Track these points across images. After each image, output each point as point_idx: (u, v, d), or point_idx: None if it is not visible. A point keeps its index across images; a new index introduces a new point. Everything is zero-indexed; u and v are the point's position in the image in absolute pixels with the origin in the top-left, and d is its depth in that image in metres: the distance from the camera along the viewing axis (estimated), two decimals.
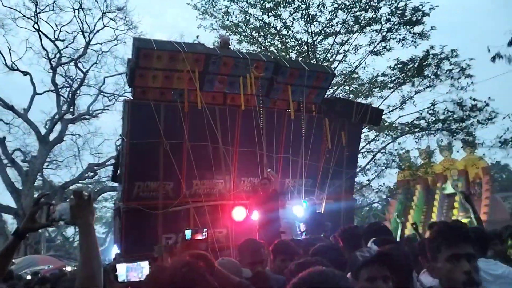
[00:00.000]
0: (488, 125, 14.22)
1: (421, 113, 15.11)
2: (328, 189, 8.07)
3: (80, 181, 21.30)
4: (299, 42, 14.91)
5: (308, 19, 14.04)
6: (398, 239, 4.49)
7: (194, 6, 15.19)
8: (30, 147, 20.50)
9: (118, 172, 7.21)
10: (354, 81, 16.32)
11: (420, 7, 13.78)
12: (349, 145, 8.46)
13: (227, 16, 15.07)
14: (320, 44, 15.09)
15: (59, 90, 18.93)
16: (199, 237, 3.18)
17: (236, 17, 15.00)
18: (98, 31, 18.64)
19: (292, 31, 14.73)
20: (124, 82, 20.05)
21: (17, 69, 18.07)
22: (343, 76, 15.85)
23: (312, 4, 13.90)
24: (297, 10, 13.95)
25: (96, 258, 1.67)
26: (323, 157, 8.07)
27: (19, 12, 17.52)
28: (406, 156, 17.82)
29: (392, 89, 15.40)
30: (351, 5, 13.93)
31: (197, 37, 14.67)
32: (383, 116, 11.23)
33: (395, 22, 14.15)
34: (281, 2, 13.79)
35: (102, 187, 22.59)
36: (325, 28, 14.51)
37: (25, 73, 18.28)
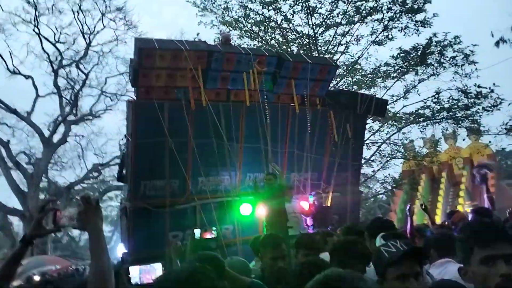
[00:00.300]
0: (493, 112, 14.07)
1: (425, 102, 14.99)
2: (334, 182, 8.05)
3: (85, 181, 21.40)
4: (300, 34, 14.81)
5: (309, 11, 13.93)
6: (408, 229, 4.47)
7: (194, 3, 15.12)
8: (34, 149, 20.56)
9: (124, 171, 7.21)
10: (357, 72, 16.21)
11: None
12: (355, 137, 8.42)
13: (226, 12, 14.98)
14: (322, 36, 14.97)
15: (61, 92, 18.94)
16: (208, 235, 3.17)
17: (235, 12, 14.92)
18: (98, 32, 18.60)
19: (293, 24, 14.63)
20: (126, 81, 20.04)
21: (19, 73, 18.11)
22: (345, 68, 15.74)
23: None
24: (297, 3, 13.83)
25: (106, 262, 1.68)
26: (328, 150, 8.04)
27: (19, 16, 17.52)
28: (411, 146, 17.72)
29: (396, 79, 15.28)
30: None
31: (198, 34, 14.61)
32: (387, 107, 11.16)
33: (396, 10, 13.99)
34: None
35: (107, 186, 22.67)
36: (326, 20, 14.39)
37: (27, 77, 18.31)
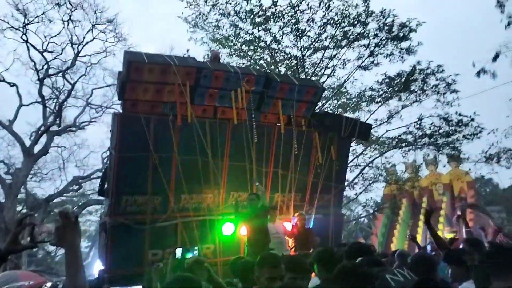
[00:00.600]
0: (473, 140, 14.42)
1: (408, 128, 15.27)
2: (317, 203, 8.05)
3: (65, 194, 20.93)
4: (289, 56, 15.04)
5: (298, 33, 14.18)
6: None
7: (185, 19, 15.24)
8: (14, 159, 20.12)
9: (105, 185, 7.08)
10: (342, 95, 16.47)
11: (407, 23, 14.04)
12: (338, 159, 8.48)
13: (217, 30, 15.13)
14: (309, 58, 15.24)
15: (46, 101, 18.66)
16: (189, 255, 3.10)
17: (226, 30, 15.08)
18: (87, 43, 18.49)
19: (282, 45, 14.85)
20: (113, 94, 19.90)
21: (4, 80, 17.80)
22: (331, 90, 15.99)
23: (301, 19, 14.07)
24: (286, 25, 14.08)
25: (82, 279, 1.65)
26: (312, 171, 8.07)
27: (7, 23, 17.33)
28: (393, 170, 17.96)
29: (380, 104, 15.57)
30: (340, 21, 14.12)
31: (188, 50, 14.70)
32: (371, 131, 11.32)
33: (382, 37, 14.37)
34: (271, 17, 13.92)
35: (86, 200, 22.20)
36: (314, 43, 14.66)
37: (12, 84, 18.01)
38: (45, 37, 17.95)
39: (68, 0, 17.22)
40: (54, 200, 18.83)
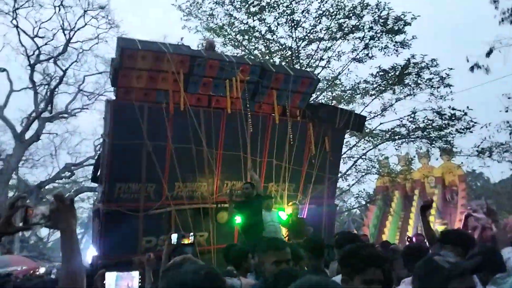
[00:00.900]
0: (466, 134, 14.53)
1: (402, 121, 15.35)
2: (311, 194, 8.09)
3: (57, 181, 20.85)
4: (283, 47, 14.99)
5: (293, 24, 14.13)
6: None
7: (179, 7, 15.08)
8: (5, 145, 19.98)
9: (98, 172, 7.05)
10: (337, 87, 16.48)
11: (402, 16, 14.04)
12: (332, 150, 8.51)
13: (211, 19, 15.02)
14: (304, 50, 15.21)
15: (37, 87, 18.46)
16: (185, 241, 3.10)
17: (220, 19, 14.98)
18: (79, 29, 18.31)
19: (277, 36, 14.80)
20: (105, 81, 19.77)
21: None
22: (326, 82, 15.98)
23: (297, 10, 14.00)
24: (281, 15, 14.01)
25: (79, 263, 1.65)
26: (306, 162, 8.10)
27: None
28: (386, 162, 18.09)
29: (374, 96, 15.62)
30: (335, 12, 14.09)
31: (182, 39, 14.55)
32: (365, 123, 11.35)
33: (377, 30, 14.36)
34: (266, 7, 13.84)
35: (79, 187, 22.14)
36: (309, 34, 14.62)
37: (2, 70, 17.79)
38: (36, 22, 17.75)
39: None
40: (46, 187, 18.73)
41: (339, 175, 12.56)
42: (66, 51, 18.46)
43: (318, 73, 14.45)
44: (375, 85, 15.36)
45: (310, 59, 15.26)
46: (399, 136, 15.56)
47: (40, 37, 18.01)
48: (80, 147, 23.80)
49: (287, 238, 6.94)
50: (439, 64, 14.42)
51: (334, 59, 15.36)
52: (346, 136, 13.22)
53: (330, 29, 14.42)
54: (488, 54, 12.53)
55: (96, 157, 8.37)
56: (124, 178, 6.39)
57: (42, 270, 11.23)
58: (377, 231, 21.79)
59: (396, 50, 14.63)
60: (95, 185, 8.95)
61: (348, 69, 15.58)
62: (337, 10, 14.04)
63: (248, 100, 7.13)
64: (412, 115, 15.11)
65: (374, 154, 16.63)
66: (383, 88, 15.26)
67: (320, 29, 14.49)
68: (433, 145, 15.55)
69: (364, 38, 14.55)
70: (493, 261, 2.80)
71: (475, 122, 14.27)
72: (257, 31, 14.72)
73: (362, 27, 14.33)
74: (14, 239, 16.74)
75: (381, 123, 15.88)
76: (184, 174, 6.64)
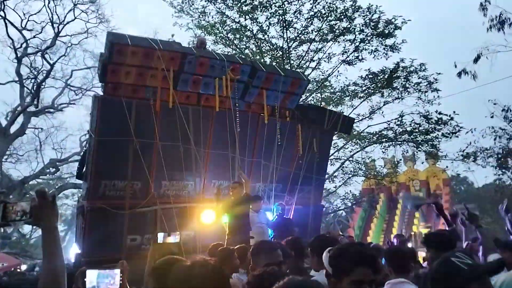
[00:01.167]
0: (452, 138, 14.74)
1: (389, 124, 15.50)
2: (298, 195, 8.10)
3: (41, 177, 20.52)
4: (274, 47, 15.00)
5: (284, 24, 14.15)
6: None
7: (170, 4, 14.99)
8: None
9: (84, 169, 6.94)
10: (326, 88, 16.55)
11: (393, 20, 14.18)
12: (320, 152, 8.54)
13: (203, 16, 14.96)
14: (295, 50, 15.25)
15: (24, 81, 18.14)
16: (171, 240, 3.06)
17: (212, 17, 14.93)
18: (68, 22, 18.05)
19: (268, 36, 14.80)
20: (93, 76, 19.54)
21: None
22: (315, 83, 16.04)
23: (289, 10, 14.02)
24: (273, 15, 14.02)
25: (60, 261, 1.61)
26: (294, 162, 8.10)
27: None
28: (372, 165, 18.23)
29: (362, 99, 15.74)
30: (327, 14, 14.15)
31: (173, 35, 14.44)
32: (353, 125, 11.42)
33: (368, 33, 14.48)
34: (258, 6, 13.83)
35: (63, 183, 21.81)
36: (300, 35, 14.67)
37: None
38: (24, 14, 17.44)
39: None
40: (30, 182, 18.42)
41: (326, 176, 12.61)
42: (54, 44, 18.18)
43: (308, 74, 14.49)
44: (364, 88, 15.49)
45: (300, 60, 15.31)
46: (386, 139, 15.71)
47: (28, 30, 17.74)
48: (65, 142, 23.52)
49: (272, 238, 6.92)
50: (428, 69, 14.62)
51: (325, 61, 15.46)
52: (334, 138, 13.29)
53: (321, 31, 14.48)
54: (476, 60, 12.71)
55: (81, 153, 8.25)
56: (110, 175, 6.30)
57: (24, 267, 11.05)
58: (362, 233, 21.95)
59: (386, 54, 14.78)
60: (80, 181, 8.83)
61: (338, 71, 15.70)
62: (328, 12, 14.10)
63: (237, 99, 7.10)
64: (400, 119, 15.29)
65: (361, 156, 16.79)
66: (372, 91, 15.39)
67: (312, 30, 14.56)
68: (419, 149, 15.74)
69: (355, 41, 14.66)
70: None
71: (461, 127, 14.50)
72: (248, 30, 14.70)
73: (353, 30, 14.42)
74: None
75: (369, 126, 16.05)
76: (171, 172, 6.57)
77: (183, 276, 1.39)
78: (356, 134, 15.73)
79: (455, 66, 12.83)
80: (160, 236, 3.15)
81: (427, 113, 14.87)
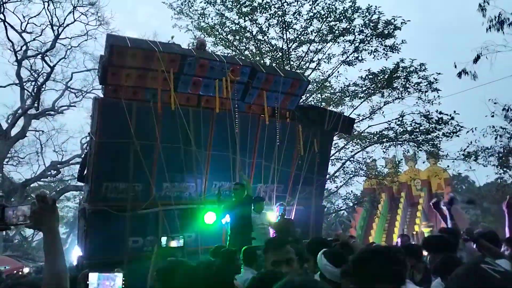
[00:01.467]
0: (452, 138, 14.72)
1: (390, 124, 15.49)
2: (299, 195, 8.11)
3: (42, 179, 20.54)
4: (274, 48, 15.01)
5: (284, 25, 14.16)
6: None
7: (170, 6, 15.01)
8: None
9: (85, 171, 6.96)
10: (326, 89, 16.56)
11: (392, 20, 14.18)
12: (321, 152, 8.54)
13: (203, 18, 14.98)
14: (295, 51, 15.26)
15: (24, 83, 18.17)
16: (174, 244, 3.06)
17: (212, 19, 14.95)
18: (68, 25, 18.10)
19: (268, 37, 14.82)
20: (93, 78, 19.58)
21: None
22: (315, 84, 16.05)
23: (288, 12, 14.04)
24: (273, 16, 14.04)
25: (62, 264, 1.62)
26: (295, 163, 8.11)
27: None
28: (373, 165, 18.22)
29: (363, 99, 15.72)
30: (326, 15, 14.17)
31: (172, 37, 14.48)
32: (353, 125, 11.43)
33: (367, 34, 14.49)
34: (258, 8, 13.84)
35: (65, 186, 21.84)
36: (299, 36, 14.68)
37: None
38: (24, 17, 17.48)
39: None
40: (31, 185, 18.43)
41: (327, 177, 12.60)
42: (54, 47, 18.22)
43: (308, 75, 14.51)
44: (364, 88, 15.48)
45: (300, 61, 15.32)
46: (387, 139, 15.69)
47: (28, 33, 17.78)
48: (66, 145, 23.53)
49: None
50: (427, 69, 14.61)
51: (324, 62, 15.46)
52: (335, 138, 13.30)
53: (321, 32, 14.49)
54: (476, 60, 12.70)
55: (83, 156, 8.26)
56: (111, 177, 6.31)
57: (26, 270, 11.06)
58: (364, 233, 21.94)
59: (386, 54, 14.77)
60: (81, 184, 8.84)
61: (338, 72, 15.70)
62: (328, 12, 14.11)
63: (238, 100, 7.11)
64: (400, 119, 15.27)
65: (362, 156, 16.76)
66: (372, 91, 15.38)
67: (311, 31, 14.58)
68: (420, 149, 15.71)
69: (354, 41, 14.67)
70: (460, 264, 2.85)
71: (462, 127, 14.47)
72: (248, 31, 14.72)
73: (352, 30, 14.43)
74: None
75: (369, 126, 16.03)
76: (172, 174, 6.58)
77: (188, 277, 1.40)
78: (356, 134, 15.72)
79: (455, 67, 12.81)
80: (163, 240, 3.15)
81: (428, 113, 14.85)
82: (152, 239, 6.27)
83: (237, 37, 15.13)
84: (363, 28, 14.36)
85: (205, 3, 14.43)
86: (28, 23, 17.59)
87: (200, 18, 14.99)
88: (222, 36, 15.17)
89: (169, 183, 6.66)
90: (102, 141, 6.16)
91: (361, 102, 15.80)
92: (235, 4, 14.01)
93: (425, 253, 3.90)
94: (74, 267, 6.08)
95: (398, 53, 14.73)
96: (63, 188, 21.34)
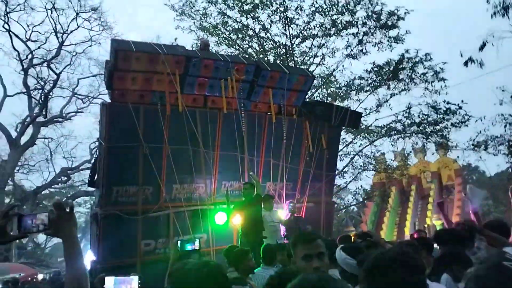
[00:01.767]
0: (461, 128, 14.58)
1: (397, 116, 15.37)
2: (309, 192, 8.08)
3: (53, 186, 20.72)
4: (277, 44, 14.94)
5: (286, 21, 14.10)
6: None
7: (172, 7, 15.01)
8: (1, 151, 19.80)
9: (96, 177, 7.00)
10: (332, 84, 16.46)
11: (395, 11, 14.06)
12: (329, 147, 8.51)
13: (205, 18, 14.97)
14: (298, 47, 15.17)
15: (31, 92, 18.33)
16: (189, 248, 3.06)
17: (214, 19, 14.93)
18: (71, 31, 18.17)
19: (270, 34, 14.76)
20: (99, 84, 19.67)
21: None
22: (320, 79, 15.96)
23: (290, 7, 13.98)
24: (275, 13, 13.98)
25: (82, 268, 1.65)
26: (303, 160, 8.08)
27: None
28: (382, 158, 18.11)
29: (369, 92, 15.60)
30: (328, 9, 14.07)
31: (176, 39, 14.49)
32: (360, 119, 11.35)
33: (371, 26, 14.36)
34: (259, 5, 13.80)
35: (75, 191, 22.02)
36: (302, 31, 14.59)
37: None
38: (28, 26, 17.60)
39: None
40: (42, 192, 18.61)
41: (336, 172, 12.55)
42: (59, 54, 18.33)
43: (313, 70, 14.43)
44: (369, 81, 15.36)
45: (304, 56, 15.24)
46: (395, 132, 15.57)
47: (32, 41, 17.89)
48: (75, 151, 23.76)
49: (285, 237, 6.91)
50: (433, 59, 14.47)
51: (329, 56, 15.34)
52: (342, 133, 13.23)
53: (323, 26, 14.39)
54: (481, 48, 12.56)
55: (92, 161, 8.32)
56: (121, 181, 6.35)
57: (40, 276, 11.18)
58: (375, 227, 21.84)
59: (390, 45, 14.63)
60: (92, 189, 8.90)
61: (343, 66, 15.57)
62: (330, 6, 14.02)
63: (243, 99, 7.10)
64: (407, 111, 15.14)
65: (370, 150, 16.64)
66: (378, 84, 15.26)
67: (314, 26, 14.47)
68: (428, 140, 15.58)
69: (358, 34, 14.54)
70: (464, 255, 2.82)
71: (470, 116, 14.32)
72: (251, 29, 14.68)
73: (355, 23, 14.31)
74: (11, 247, 16.64)
75: (376, 119, 15.91)
76: (181, 175, 6.60)
77: (183, 277, 1.43)
78: (364, 128, 15.62)
79: (461, 55, 12.68)
80: (180, 244, 3.16)
81: (435, 104, 14.72)
82: (164, 241, 6.30)
83: (240, 36, 15.10)
84: (366, 20, 14.24)
85: (206, 3, 14.44)
86: (32, 31, 17.73)
87: (202, 18, 14.98)
88: (225, 35, 15.15)
89: (179, 185, 6.68)
90: (111, 145, 6.20)
91: (367, 96, 15.68)
92: (237, 2, 13.98)
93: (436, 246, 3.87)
94: (87, 272, 6.11)
95: (402, 44, 14.60)
96: (74, 194, 21.51)
